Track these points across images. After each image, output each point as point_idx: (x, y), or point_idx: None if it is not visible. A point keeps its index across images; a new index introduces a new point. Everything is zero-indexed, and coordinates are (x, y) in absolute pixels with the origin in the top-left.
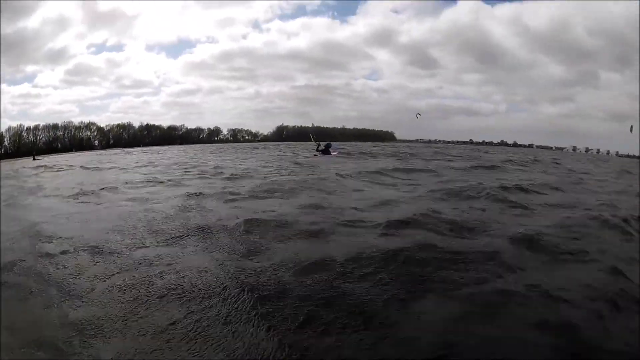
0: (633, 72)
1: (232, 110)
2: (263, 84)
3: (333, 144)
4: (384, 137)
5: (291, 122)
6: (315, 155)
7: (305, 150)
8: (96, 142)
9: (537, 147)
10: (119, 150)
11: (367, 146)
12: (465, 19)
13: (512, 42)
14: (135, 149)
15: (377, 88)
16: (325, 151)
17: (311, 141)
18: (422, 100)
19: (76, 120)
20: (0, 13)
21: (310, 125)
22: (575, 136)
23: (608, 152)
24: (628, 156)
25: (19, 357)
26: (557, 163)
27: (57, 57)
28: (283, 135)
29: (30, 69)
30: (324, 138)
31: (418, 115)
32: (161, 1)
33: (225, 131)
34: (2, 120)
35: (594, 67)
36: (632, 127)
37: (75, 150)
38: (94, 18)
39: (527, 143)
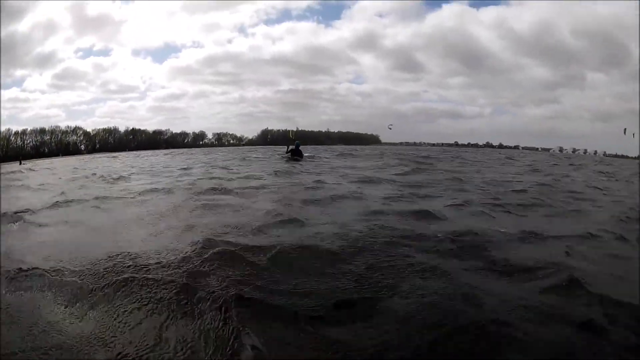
0: (620, 73)
1: (218, 114)
2: (248, 89)
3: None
4: (369, 140)
5: (276, 126)
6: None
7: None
8: (82, 147)
9: (523, 148)
10: (104, 155)
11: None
12: (449, 23)
13: (496, 45)
14: (122, 153)
15: (362, 92)
16: (296, 152)
17: (292, 140)
18: (407, 103)
19: (63, 124)
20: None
21: (294, 130)
22: (561, 137)
23: (595, 152)
24: (616, 156)
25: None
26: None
27: (45, 61)
28: (268, 139)
29: (19, 73)
30: (306, 141)
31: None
32: (148, 6)
33: (210, 135)
34: None
35: (579, 68)
36: (625, 129)
37: (62, 155)
38: (82, 23)
39: (512, 145)
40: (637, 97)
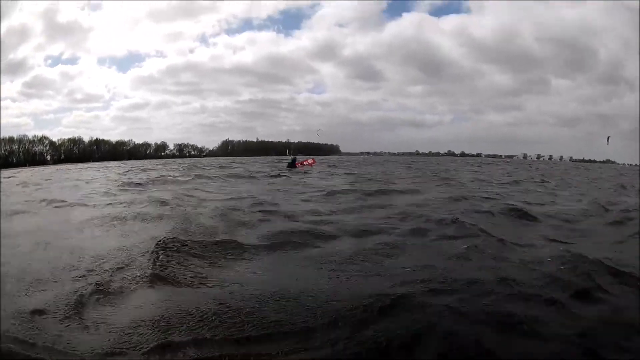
0: (586, 77)
1: (179, 125)
2: (208, 99)
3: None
4: (329, 150)
5: (237, 136)
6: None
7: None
8: (48, 157)
9: (486, 155)
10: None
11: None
12: (409, 32)
13: (456, 53)
14: (87, 164)
15: (321, 101)
16: (292, 165)
17: (286, 155)
18: (367, 112)
19: (30, 134)
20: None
21: (255, 140)
22: (525, 143)
23: (561, 158)
24: (583, 161)
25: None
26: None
27: (16, 68)
28: (229, 150)
29: None
30: (269, 152)
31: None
32: (116, 14)
33: (171, 146)
34: None
35: (543, 73)
36: (608, 138)
37: (29, 165)
38: (53, 29)
39: (475, 152)
40: (604, 100)
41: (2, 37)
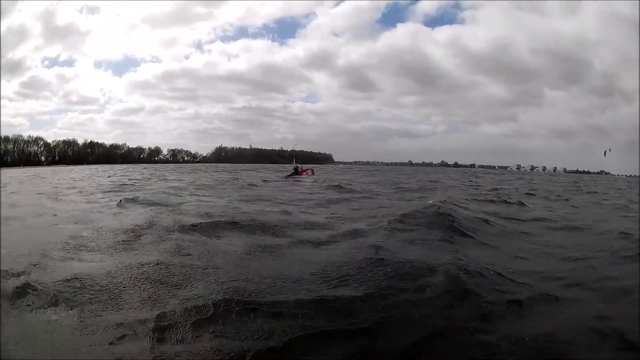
0: (579, 89)
1: (173, 130)
2: (203, 105)
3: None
4: (322, 159)
5: (230, 143)
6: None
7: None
8: (42, 158)
9: (480, 166)
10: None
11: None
12: (403, 42)
13: (450, 64)
14: (79, 166)
15: (315, 111)
16: (295, 173)
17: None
18: (360, 122)
19: (25, 134)
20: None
21: (248, 147)
22: (520, 155)
23: (555, 169)
24: (577, 172)
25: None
26: None
27: (14, 68)
28: (222, 156)
29: None
30: (262, 160)
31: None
32: (113, 18)
33: (165, 151)
34: None
35: (537, 85)
36: (605, 151)
37: (23, 165)
38: (51, 31)
39: (468, 163)
40: (598, 112)
41: (1, 36)
